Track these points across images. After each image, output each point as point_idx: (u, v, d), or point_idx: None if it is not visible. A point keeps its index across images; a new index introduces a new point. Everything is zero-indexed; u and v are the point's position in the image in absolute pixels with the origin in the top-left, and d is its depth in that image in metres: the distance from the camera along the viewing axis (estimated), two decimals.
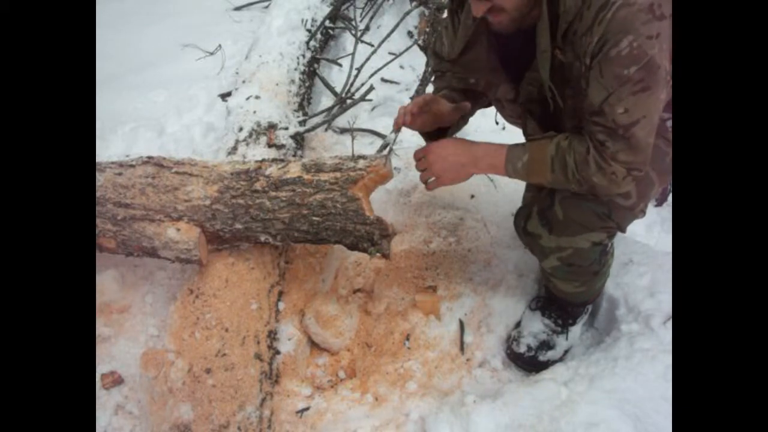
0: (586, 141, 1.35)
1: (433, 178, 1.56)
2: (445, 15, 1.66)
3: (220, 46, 2.97)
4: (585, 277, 1.63)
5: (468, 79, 1.56)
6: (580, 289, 1.67)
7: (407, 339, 1.85)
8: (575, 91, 1.35)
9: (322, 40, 2.92)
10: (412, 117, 1.54)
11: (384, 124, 2.55)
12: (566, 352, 1.79)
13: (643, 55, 1.21)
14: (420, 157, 1.57)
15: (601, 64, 1.25)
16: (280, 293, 1.85)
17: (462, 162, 1.52)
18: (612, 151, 1.31)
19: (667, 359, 1.55)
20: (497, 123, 1.78)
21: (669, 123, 1.49)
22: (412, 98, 2.41)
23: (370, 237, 1.61)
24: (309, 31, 2.78)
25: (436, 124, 1.62)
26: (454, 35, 1.57)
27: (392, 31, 2.80)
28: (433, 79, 1.83)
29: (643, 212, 1.55)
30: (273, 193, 1.64)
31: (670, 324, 1.64)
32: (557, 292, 1.72)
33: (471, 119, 1.78)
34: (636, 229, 2.11)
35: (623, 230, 1.55)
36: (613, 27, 1.21)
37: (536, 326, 1.78)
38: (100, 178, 1.68)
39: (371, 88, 2.37)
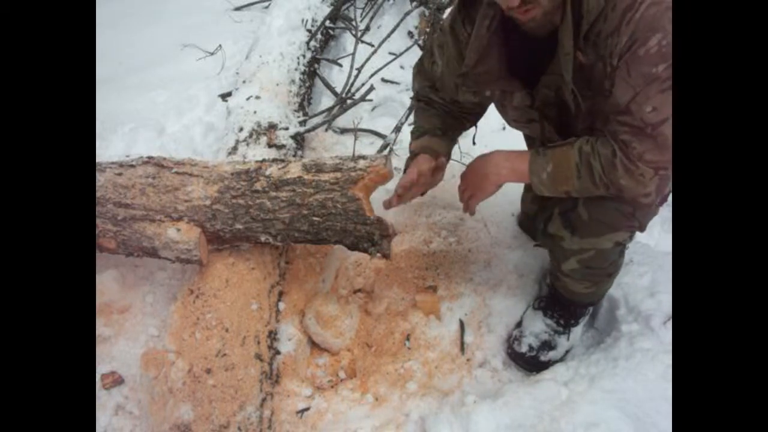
0: (609, 143, 1.34)
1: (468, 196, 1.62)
2: (437, 35, 1.64)
3: (220, 46, 2.97)
4: (598, 278, 1.64)
5: (483, 92, 1.54)
6: (590, 290, 1.67)
7: (407, 339, 1.85)
8: (595, 92, 1.34)
9: (323, 40, 2.92)
10: (399, 198, 1.62)
11: (384, 124, 2.55)
12: (567, 352, 1.79)
13: (671, 53, 1.20)
14: (460, 186, 1.64)
15: (628, 63, 1.24)
16: (281, 293, 1.84)
17: (485, 173, 1.54)
18: (639, 151, 1.30)
19: (667, 359, 1.55)
20: (474, 143, 1.83)
21: None
22: (411, 98, 2.41)
23: (371, 237, 1.61)
24: (309, 31, 2.78)
25: (427, 187, 1.67)
26: (455, 50, 1.54)
27: (392, 31, 2.80)
28: (414, 110, 1.80)
29: (658, 207, 1.54)
30: (273, 194, 1.64)
31: (670, 324, 1.65)
32: (566, 293, 1.71)
33: None
34: None
35: (643, 229, 1.53)
36: (642, 26, 1.20)
37: (538, 326, 1.78)
38: (100, 178, 1.68)
39: (371, 89, 2.37)
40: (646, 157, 1.30)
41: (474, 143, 1.83)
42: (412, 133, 1.74)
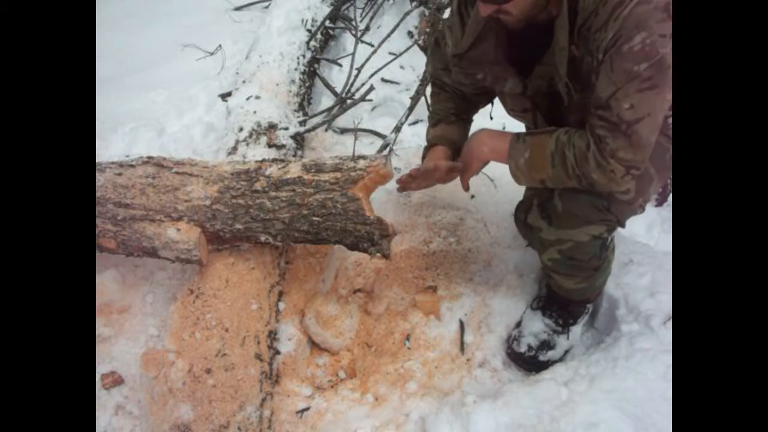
0: (586, 136, 1.35)
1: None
2: (446, 15, 1.66)
3: (220, 46, 2.97)
4: (586, 273, 1.63)
5: (475, 74, 1.56)
6: (581, 285, 1.67)
7: (407, 339, 1.85)
8: (583, 86, 1.35)
9: (323, 40, 2.92)
10: (407, 181, 1.68)
11: (384, 124, 2.55)
12: (566, 352, 1.79)
13: (654, 52, 1.21)
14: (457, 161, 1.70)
15: (612, 58, 1.25)
16: (280, 293, 1.84)
17: (470, 149, 1.62)
18: (612, 147, 1.31)
19: (667, 359, 1.55)
20: (491, 118, 1.81)
21: (670, 120, 1.49)
22: (411, 98, 2.42)
23: (370, 237, 1.61)
24: (309, 31, 2.78)
25: (438, 183, 1.71)
26: (461, 32, 1.56)
27: (392, 31, 2.80)
28: (430, 94, 1.85)
29: (642, 207, 1.55)
30: (273, 193, 1.64)
31: (670, 324, 1.64)
32: (558, 289, 1.72)
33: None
34: (636, 229, 2.11)
35: (622, 224, 1.55)
36: (629, 23, 1.22)
37: (537, 326, 1.78)
38: (100, 178, 1.68)
39: (371, 88, 2.37)
40: (619, 154, 1.31)
41: (491, 118, 1.83)
42: (429, 119, 1.80)
